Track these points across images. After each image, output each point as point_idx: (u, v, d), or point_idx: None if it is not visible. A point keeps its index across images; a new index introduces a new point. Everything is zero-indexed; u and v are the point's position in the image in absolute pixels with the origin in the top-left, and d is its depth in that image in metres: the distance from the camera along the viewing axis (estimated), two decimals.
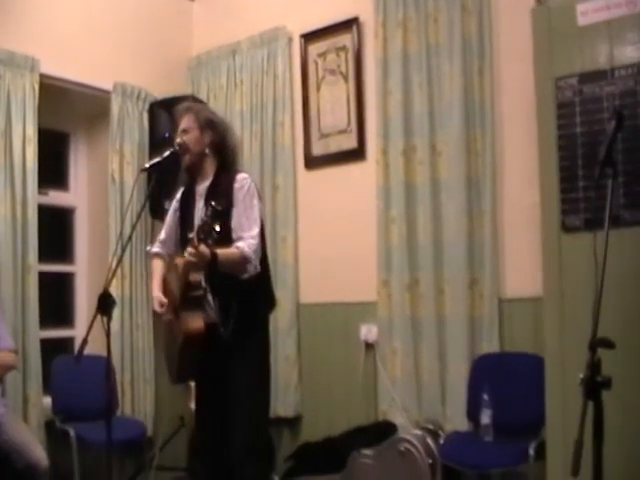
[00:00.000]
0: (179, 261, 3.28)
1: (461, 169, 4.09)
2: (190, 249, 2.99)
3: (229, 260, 3.17)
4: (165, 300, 3.41)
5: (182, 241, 3.48)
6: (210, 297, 3.33)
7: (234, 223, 3.29)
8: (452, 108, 4.16)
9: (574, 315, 3.18)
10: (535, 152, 3.48)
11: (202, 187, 3.46)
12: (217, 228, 2.94)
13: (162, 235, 3.69)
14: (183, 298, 3.27)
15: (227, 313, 3.27)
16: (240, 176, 3.43)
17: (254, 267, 3.27)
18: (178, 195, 3.63)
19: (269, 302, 3.61)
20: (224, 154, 3.52)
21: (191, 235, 3.05)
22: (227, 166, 3.50)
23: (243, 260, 3.21)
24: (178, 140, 3.44)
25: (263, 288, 3.50)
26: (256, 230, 3.31)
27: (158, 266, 3.64)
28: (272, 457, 4.62)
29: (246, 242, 3.23)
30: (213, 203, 2.98)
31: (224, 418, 3.40)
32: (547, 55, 3.40)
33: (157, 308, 3.44)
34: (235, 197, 3.34)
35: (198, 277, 3.25)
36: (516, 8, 3.94)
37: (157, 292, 3.49)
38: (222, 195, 3.18)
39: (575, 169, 3.28)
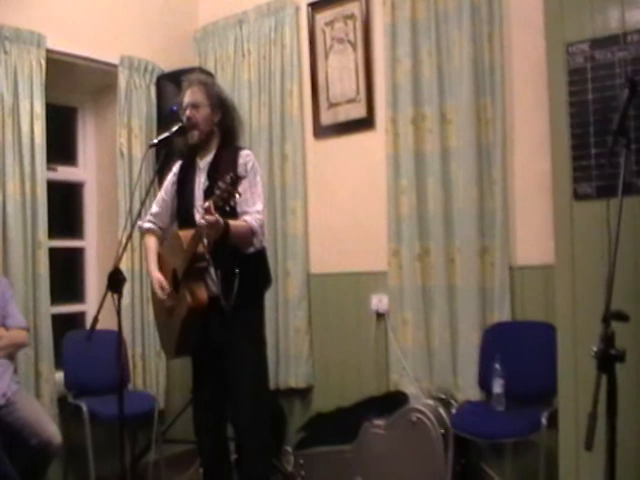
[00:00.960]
0: (182, 234, 3.33)
1: (471, 137, 4.04)
2: (208, 216, 2.98)
3: (239, 232, 3.21)
4: (167, 286, 3.41)
5: (179, 214, 3.53)
6: (212, 270, 3.34)
7: (238, 198, 3.28)
8: (462, 75, 4.10)
9: (586, 283, 3.16)
10: (546, 119, 3.43)
11: (204, 162, 3.48)
12: (238, 196, 2.99)
13: (154, 208, 3.70)
14: (187, 269, 3.28)
15: (229, 286, 3.28)
16: (244, 152, 3.48)
17: (260, 241, 3.35)
18: (175, 168, 3.63)
19: (266, 279, 3.63)
20: (229, 132, 3.52)
21: (207, 204, 3.03)
22: (230, 142, 3.50)
23: (251, 233, 3.27)
24: (188, 113, 3.44)
25: (261, 265, 3.54)
26: (260, 206, 3.37)
27: (152, 243, 3.66)
28: (283, 428, 4.67)
29: (252, 216, 3.29)
30: (234, 172, 3.03)
31: (223, 390, 3.42)
32: (558, 20, 3.33)
33: (159, 293, 3.44)
34: (239, 172, 3.34)
35: (201, 248, 3.27)
36: None
37: (157, 273, 3.50)
38: (226, 170, 3.17)
39: (587, 136, 3.23)
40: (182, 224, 3.49)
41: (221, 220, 3.03)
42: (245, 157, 3.43)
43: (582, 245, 3.21)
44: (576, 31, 3.27)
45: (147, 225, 3.68)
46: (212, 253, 3.29)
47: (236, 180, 2.98)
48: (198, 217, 3.26)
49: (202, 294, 3.29)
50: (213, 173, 3.37)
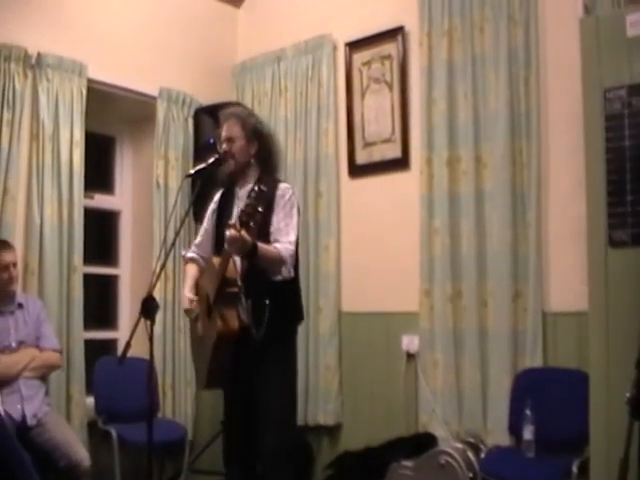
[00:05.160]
0: (215, 260, 3.35)
1: (506, 180, 4.05)
2: (232, 231, 3.00)
3: (267, 255, 3.21)
4: (194, 297, 3.44)
5: (218, 242, 3.50)
6: (243, 297, 3.33)
7: (273, 228, 3.34)
8: (497, 118, 4.12)
9: (620, 331, 3.14)
10: (582, 165, 3.43)
11: (243, 191, 3.47)
12: (260, 209, 2.98)
13: (198, 238, 3.73)
14: (218, 294, 3.29)
15: (259, 315, 3.28)
16: (283, 185, 3.49)
17: (288, 271, 3.31)
18: (216, 197, 3.66)
19: (298, 314, 3.62)
20: (268, 163, 3.55)
21: (232, 221, 3.06)
22: (269, 173, 3.53)
23: (279, 260, 3.26)
24: (224, 147, 3.47)
25: (293, 298, 3.54)
26: (293, 237, 3.36)
27: (192, 270, 3.66)
28: (310, 464, 4.64)
29: (283, 245, 3.30)
30: (259, 186, 3.02)
31: (253, 423, 3.42)
32: (595, 66, 3.35)
33: (186, 304, 3.47)
34: (276, 203, 3.38)
35: (234, 274, 3.28)
36: (564, 18, 3.92)
37: (187, 291, 3.52)
38: (263, 200, 3.19)
39: (623, 183, 3.23)
40: (220, 252, 3.52)
41: (247, 237, 3.02)
42: (284, 189, 3.45)
43: (616, 292, 3.20)
44: (613, 77, 3.28)
45: (189, 254, 3.71)
46: (244, 281, 3.31)
47: (259, 193, 2.99)
48: None
49: (233, 320, 3.27)
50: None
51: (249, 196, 3.02)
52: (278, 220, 3.36)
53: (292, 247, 3.33)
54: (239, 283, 3.31)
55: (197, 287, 3.57)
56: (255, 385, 3.39)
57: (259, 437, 3.41)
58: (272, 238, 3.32)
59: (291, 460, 3.46)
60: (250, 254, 3.13)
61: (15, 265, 3.91)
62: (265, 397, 3.38)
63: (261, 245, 3.16)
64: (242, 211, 3.01)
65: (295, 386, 3.59)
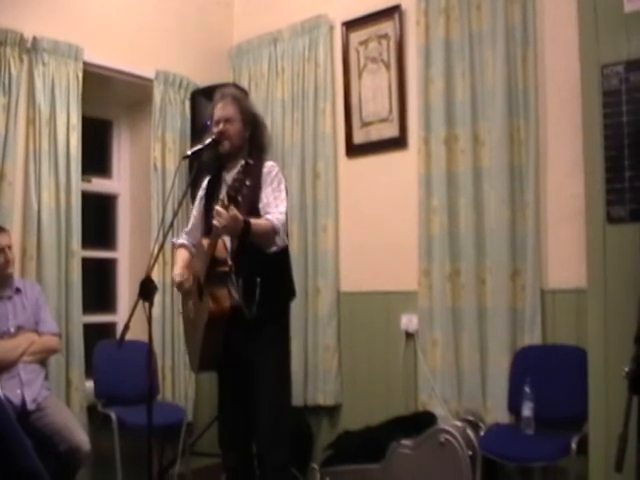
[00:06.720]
0: (204, 241, 3.36)
1: (504, 158, 4.04)
2: (219, 208, 3.01)
3: (260, 229, 3.21)
4: (185, 271, 3.46)
5: (208, 227, 3.49)
6: (234, 276, 3.34)
7: (262, 203, 3.36)
8: (495, 97, 4.10)
9: (618, 307, 3.14)
10: (580, 141, 3.42)
11: (230, 175, 3.46)
12: (248, 182, 3.00)
13: (188, 226, 3.75)
14: (208, 274, 3.29)
15: (251, 294, 3.29)
16: (269, 163, 3.54)
17: (282, 240, 3.34)
18: (204, 184, 3.66)
19: (290, 290, 3.62)
20: (258, 148, 3.57)
21: (221, 197, 3.08)
22: (256, 157, 3.52)
23: (272, 231, 3.26)
24: (221, 127, 3.46)
25: (284, 275, 3.55)
26: (283, 208, 3.37)
27: (182, 254, 3.69)
28: (310, 445, 4.66)
29: (274, 216, 3.29)
30: (246, 160, 3.06)
31: (248, 405, 3.43)
32: (593, 42, 3.33)
33: (177, 278, 3.48)
34: (263, 180, 3.41)
35: (224, 253, 3.30)
36: None
37: (177, 270, 3.55)
38: (251, 173, 3.18)
39: (621, 159, 3.22)
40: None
41: (237, 214, 3.02)
42: (269, 167, 3.47)
43: (615, 269, 3.19)
44: (611, 53, 3.27)
45: (180, 241, 3.73)
46: (234, 259, 3.32)
47: (247, 167, 3.02)
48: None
49: (225, 299, 3.28)
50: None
51: (237, 172, 3.05)
52: (267, 195, 3.38)
53: (283, 217, 3.34)
54: (229, 262, 3.32)
55: (188, 270, 3.58)
56: (249, 365, 3.40)
57: (255, 418, 3.42)
58: (262, 212, 3.33)
59: (287, 439, 3.47)
60: (243, 232, 3.12)
61: (10, 248, 3.89)
62: (259, 377, 3.39)
63: (254, 220, 3.17)
64: (229, 186, 3.04)
65: (289, 365, 3.61)
